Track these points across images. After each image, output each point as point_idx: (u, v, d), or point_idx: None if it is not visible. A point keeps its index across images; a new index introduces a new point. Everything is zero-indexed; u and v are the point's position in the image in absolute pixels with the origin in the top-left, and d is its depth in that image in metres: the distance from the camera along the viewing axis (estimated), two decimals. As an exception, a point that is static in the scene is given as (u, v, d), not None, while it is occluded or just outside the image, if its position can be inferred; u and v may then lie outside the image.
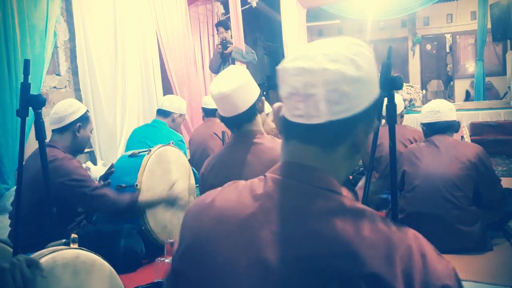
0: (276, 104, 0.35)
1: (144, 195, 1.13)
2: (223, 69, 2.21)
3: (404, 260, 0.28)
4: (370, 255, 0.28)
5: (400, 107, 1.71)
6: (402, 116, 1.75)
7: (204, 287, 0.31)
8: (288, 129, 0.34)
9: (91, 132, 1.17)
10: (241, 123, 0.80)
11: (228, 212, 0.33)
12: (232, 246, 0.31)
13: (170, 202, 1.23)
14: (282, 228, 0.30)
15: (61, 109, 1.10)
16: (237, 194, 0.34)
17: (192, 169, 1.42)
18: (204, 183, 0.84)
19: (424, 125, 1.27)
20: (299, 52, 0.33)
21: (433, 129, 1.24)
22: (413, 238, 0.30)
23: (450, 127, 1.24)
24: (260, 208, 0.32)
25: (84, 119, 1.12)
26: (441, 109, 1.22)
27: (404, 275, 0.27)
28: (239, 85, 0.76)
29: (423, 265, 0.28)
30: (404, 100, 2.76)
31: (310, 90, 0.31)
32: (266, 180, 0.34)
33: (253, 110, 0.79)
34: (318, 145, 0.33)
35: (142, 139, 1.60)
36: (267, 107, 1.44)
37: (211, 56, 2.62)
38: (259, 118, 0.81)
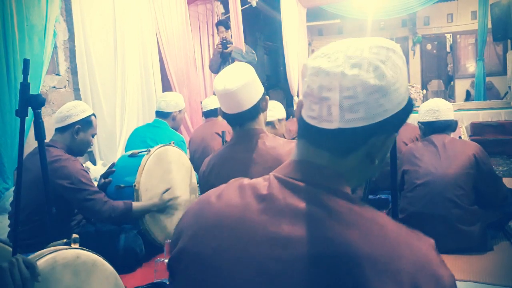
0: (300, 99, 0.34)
1: (139, 204, 1.13)
2: (223, 68, 2.18)
3: (412, 272, 0.26)
4: (376, 268, 0.26)
5: None
6: None
7: None
8: (301, 127, 0.33)
9: (92, 137, 1.15)
10: (244, 121, 0.79)
11: (230, 213, 0.31)
12: (233, 249, 0.30)
13: (162, 209, 1.20)
14: (286, 233, 0.29)
15: (65, 109, 1.11)
16: (241, 194, 0.32)
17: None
18: (205, 183, 0.83)
19: (423, 123, 1.26)
20: (325, 49, 0.31)
21: (431, 128, 1.23)
22: (425, 246, 0.28)
23: (449, 127, 1.24)
24: (264, 211, 0.30)
25: (86, 123, 1.11)
26: (440, 108, 1.22)
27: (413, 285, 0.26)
28: (245, 83, 0.75)
29: (433, 278, 0.27)
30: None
31: (324, 93, 0.30)
32: (271, 180, 0.32)
33: (257, 109, 0.78)
34: (327, 150, 0.32)
35: (143, 138, 1.59)
36: (280, 112, 1.41)
37: (211, 56, 2.61)
38: (261, 116, 0.80)
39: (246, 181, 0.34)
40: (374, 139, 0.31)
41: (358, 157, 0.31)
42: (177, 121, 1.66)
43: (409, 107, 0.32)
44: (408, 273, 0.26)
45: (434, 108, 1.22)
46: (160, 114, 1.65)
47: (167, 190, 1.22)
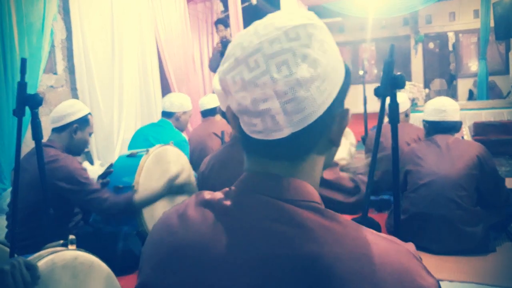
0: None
1: (140, 194, 1.11)
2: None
3: (394, 283, 0.24)
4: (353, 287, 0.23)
5: (405, 106, 1.67)
6: (407, 115, 1.70)
7: None
8: (247, 143, 0.29)
9: (90, 135, 1.15)
10: None
11: (192, 240, 0.28)
12: (199, 283, 0.27)
13: (173, 191, 1.16)
14: (255, 257, 0.26)
15: (61, 109, 1.10)
16: (202, 214, 0.29)
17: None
18: (204, 183, 0.82)
19: (428, 122, 1.24)
20: (238, 52, 0.27)
21: (437, 128, 1.22)
22: (405, 258, 0.26)
23: (454, 128, 1.23)
24: (229, 233, 0.27)
25: (83, 122, 1.11)
26: (447, 109, 1.20)
27: None
28: None
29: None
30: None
31: (261, 106, 0.26)
32: (233, 196, 0.29)
33: None
34: (285, 159, 0.28)
35: (147, 137, 1.60)
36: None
37: (210, 54, 2.61)
38: None
39: (207, 195, 0.30)
40: (329, 125, 0.28)
41: (319, 150, 0.29)
42: (181, 122, 1.66)
43: (348, 74, 0.29)
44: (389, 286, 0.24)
45: (441, 108, 1.20)
46: (164, 113, 1.66)
47: (174, 176, 1.18)
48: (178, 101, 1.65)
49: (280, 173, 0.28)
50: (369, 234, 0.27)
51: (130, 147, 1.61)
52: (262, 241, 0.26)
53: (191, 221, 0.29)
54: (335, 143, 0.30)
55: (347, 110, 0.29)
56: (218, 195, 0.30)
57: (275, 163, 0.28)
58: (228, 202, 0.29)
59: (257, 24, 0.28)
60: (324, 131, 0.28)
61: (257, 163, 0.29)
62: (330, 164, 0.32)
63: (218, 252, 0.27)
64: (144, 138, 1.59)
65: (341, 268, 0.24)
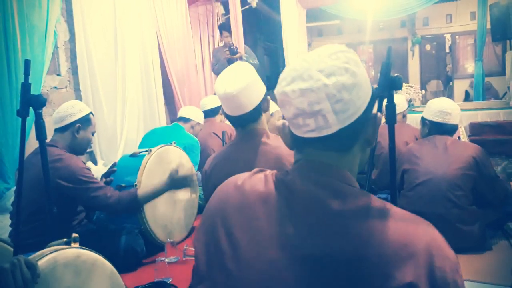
0: (279, 122, 0.38)
1: (143, 190, 1.13)
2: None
3: (427, 254, 0.30)
4: (397, 253, 0.29)
5: (402, 107, 1.70)
6: (404, 116, 1.72)
7: (223, 277, 0.34)
8: (301, 143, 0.37)
9: (92, 135, 1.16)
10: (246, 123, 0.79)
11: (254, 202, 0.35)
12: (254, 238, 0.34)
13: (174, 185, 1.19)
14: (305, 223, 0.33)
15: (63, 109, 1.12)
16: (264, 185, 0.37)
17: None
18: (207, 182, 0.84)
19: (431, 122, 1.25)
20: (293, 73, 0.35)
21: (439, 129, 1.23)
22: (431, 229, 0.32)
23: (454, 130, 1.25)
24: (285, 203, 0.34)
25: (85, 121, 1.13)
26: (453, 112, 1.21)
27: (428, 272, 0.29)
28: (245, 85, 0.75)
29: (443, 262, 0.30)
30: (403, 100, 2.76)
31: (316, 107, 0.34)
32: (290, 174, 0.36)
33: (259, 110, 0.78)
34: (334, 150, 0.36)
35: (162, 136, 1.63)
36: (273, 106, 1.47)
37: (211, 57, 2.63)
38: (264, 117, 0.81)
39: (269, 172, 0.38)
40: (365, 125, 0.37)
41: (359, 146, 0.37)
42: (194, 131, 1.73)
43: (372, 87, 0.38)
44: (424, 255, 0.30)
45: (447, 111, 1.21)
46: (181, 118, 1.74)
47: (173, 170, 1.21)
48: (194, 112, 1.76)
49: (329, 163, 0.36)
50: (402, 210, 0.34)
51: (140, 146, 1.65)
52: (316, 215, 0.33)
53: (254, 184, 0.37)
54: (371, 143, 0.38)
55: (377, 114, 0.38)
56: (277, 173, 0.38)
57: (325, 153, 0.36)
58: (288, 178, 0.36)
59: (303, 56, 0.37)
60: (362, 129, 0.37)
61: (309, 154, 0.37)
62: (365, 162, 0.40)
63: (282, 213, 0.34)
64: (158, 137, 1.62)
65: (387, 239, 0.30)
